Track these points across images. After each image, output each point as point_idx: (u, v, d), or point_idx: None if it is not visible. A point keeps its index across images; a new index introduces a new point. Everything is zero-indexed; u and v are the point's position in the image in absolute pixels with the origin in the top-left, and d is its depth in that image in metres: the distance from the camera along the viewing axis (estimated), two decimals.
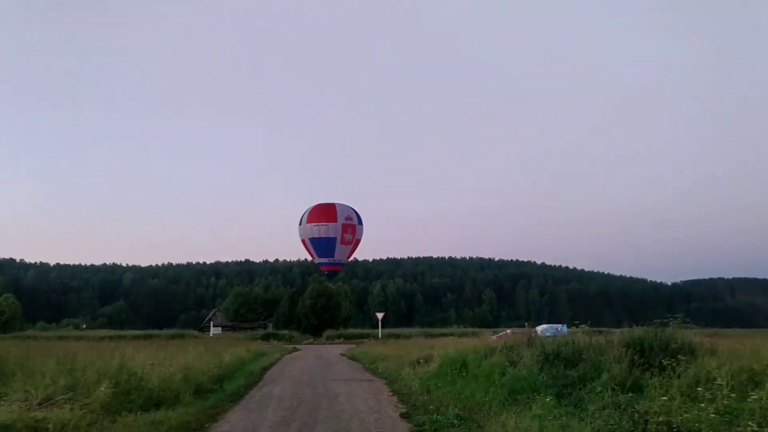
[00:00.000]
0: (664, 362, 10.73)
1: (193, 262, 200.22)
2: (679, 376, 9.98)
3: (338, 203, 66.59)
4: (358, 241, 67.63)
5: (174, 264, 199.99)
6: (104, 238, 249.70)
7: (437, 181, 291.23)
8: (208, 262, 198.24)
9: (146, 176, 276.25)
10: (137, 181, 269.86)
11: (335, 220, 63.71)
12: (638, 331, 12.74)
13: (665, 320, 13.24)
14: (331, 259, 65.02)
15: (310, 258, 70.32)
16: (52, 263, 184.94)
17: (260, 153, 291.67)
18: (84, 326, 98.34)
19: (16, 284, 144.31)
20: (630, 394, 9.72)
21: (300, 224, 65.70)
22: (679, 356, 10.76)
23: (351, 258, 73.17)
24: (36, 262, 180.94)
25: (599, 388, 9.82)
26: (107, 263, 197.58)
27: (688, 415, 8.06)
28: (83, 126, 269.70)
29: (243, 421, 10.96)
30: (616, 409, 8.94)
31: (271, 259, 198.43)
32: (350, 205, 67.33)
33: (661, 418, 8.08)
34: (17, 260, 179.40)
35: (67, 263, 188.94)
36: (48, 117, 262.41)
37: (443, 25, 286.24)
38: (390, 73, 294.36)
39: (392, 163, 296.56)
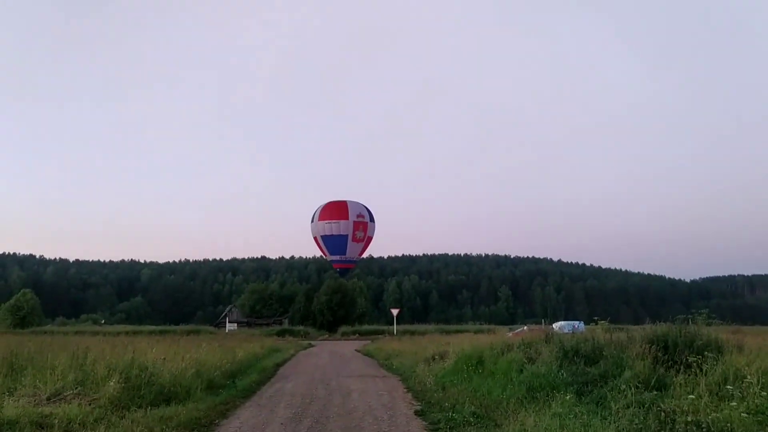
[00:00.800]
0: (690, 359, 10.32)
1: (210, 259, 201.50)
2: (705, 374, 9.58)
3: (350, 201, 66.39)
4: (369, 239, 67.38)
5: (191, 261, 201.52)
6: (123, 235, 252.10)
7: (452, 177, 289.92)
8: (224, 259, 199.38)
9: (165, 174, 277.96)
10: (156, 179, 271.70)
11: (347, 218, 63.54)
12: (661, 327, 12.32)
13: (689, 316, 12.83)
14: (343, 256, 64.86)
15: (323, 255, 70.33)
16: (71, 259, 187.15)
17: (276, 150, 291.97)
18: (103, 322, 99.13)
19: (36, 280, 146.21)
20: (654, 392, 9.33)
21: (312, 222, 65.64)
22: (706, 353, 10.36)
23: (363, 255, 72.98)
24: (56, 258, 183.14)
25: (623, 386, 9.41)
26: (125, 260, 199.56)
27: (717, 415, 7.68)
28: (104, 124, 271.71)
29: (253, 417, 10.72)
30: (640, 408, 8.55)
31: (287, 256, 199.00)
32: (362, 203, 67.22)
33: (689, 418, 7.69)
34: (37, 256, 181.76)
35: (86, 259, 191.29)
36: (67, 116, 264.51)
37: (453, 24, 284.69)
38: (407, 66, 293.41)
39: (407, 159, 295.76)
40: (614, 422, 8.10)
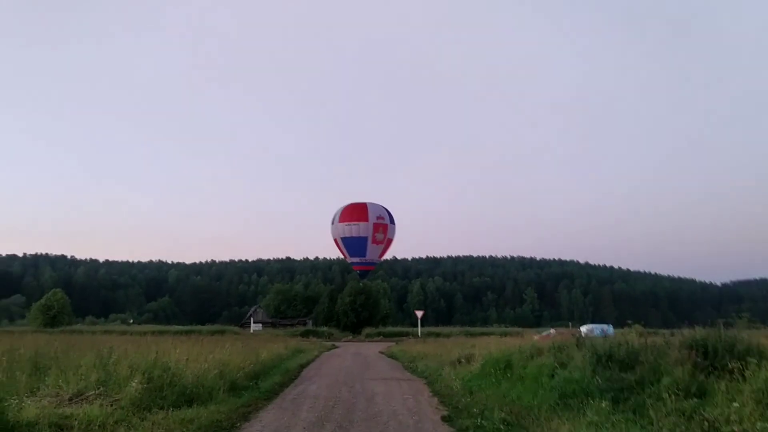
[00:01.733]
0: (731, 365, 9.80)
1: (236, 260, 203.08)
2: (747, 381, 9.07)
3: (370, 202, 66.17)
4: (390, 241, 67.06)
5: (217, 261, 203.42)
6: (151, 236, 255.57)
7: (478, 179, 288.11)
8: (250, 260, 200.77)
9: (189, 176, 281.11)
10: (181, 182, 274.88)
11: (366, 220, 63.35)
12: (700, 331, 11.79)
13: (728, 320, 12.28)
14: (362, 258, 64.69)
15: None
16: (101, 260, 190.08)
17: (301, 151, 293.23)
18: (131, 321, 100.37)
19: (67, 280, 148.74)
20: (695, 400, 8.84)
21: (332, 224, 65.58)
22: (748, 358, 9.83)
23: (383, 257, 72.69)
24: (86, 259, 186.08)
25: (665, 394, 8.93)
26: (153, 260, 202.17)
27: (765, 424, 7.22)
28: (132, 127, 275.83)
29: (276, 420, 10.46)
30: (681, 417, 8.11)
31: (312, 257, 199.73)
32: (382, 204, 66.96)
33: (735, 428, 7.24)
34: (68, 257, 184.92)
35: (116, 260, 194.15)
36: (99, 121, 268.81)
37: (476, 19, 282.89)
38: (433, 63, 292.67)
39: (433, 160, 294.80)
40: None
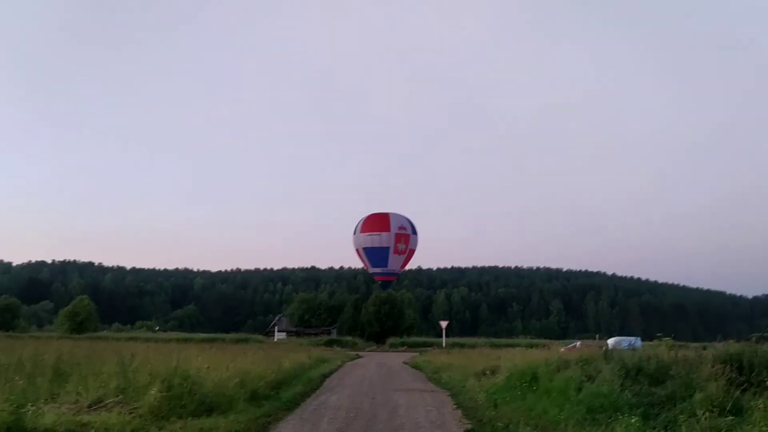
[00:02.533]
0: None
1: (261, 269, 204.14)
2: None
3: (392, 213, 66.00)
4: (412, 252, 66.72)
5: (242, 270, 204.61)
6: (177, 244, 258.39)
7: (502, 189, 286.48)
8: (275, 269, 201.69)
9: (215, 185, 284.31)
10: (208, 190, 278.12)
11: (388, 230, 63.14)
12: (734, 345, 11.38)
13: (763, 333, 11.84)
14: (384, 269, 64.43)
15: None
16: (128, 267, 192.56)
17: (326, 159, 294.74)
18: (157, 328, 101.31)
19: (94, 287, 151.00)
20: (730, 418, 8.45)
21: (354, 234, 65.48)
22: None
23: (405, 268, 72.31)
24: (113, 266, 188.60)
25: (698, 410, 8.54)
26: (179, 268, 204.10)
27: None
28: (158, 137, 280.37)
29: None
30: None
31: (337, 266, 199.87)
32: (405, 215, 66.73)
33: None
34: (96, 264, 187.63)
35: (142, 267, 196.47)
36: (124, 128, 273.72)
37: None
38: (454, 68, 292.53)
39: (458, 172, 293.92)
40: None
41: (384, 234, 63.25)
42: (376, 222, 64.56)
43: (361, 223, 65.03)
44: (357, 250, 66.20)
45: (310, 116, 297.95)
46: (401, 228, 64.25)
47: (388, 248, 63.13)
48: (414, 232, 65.81)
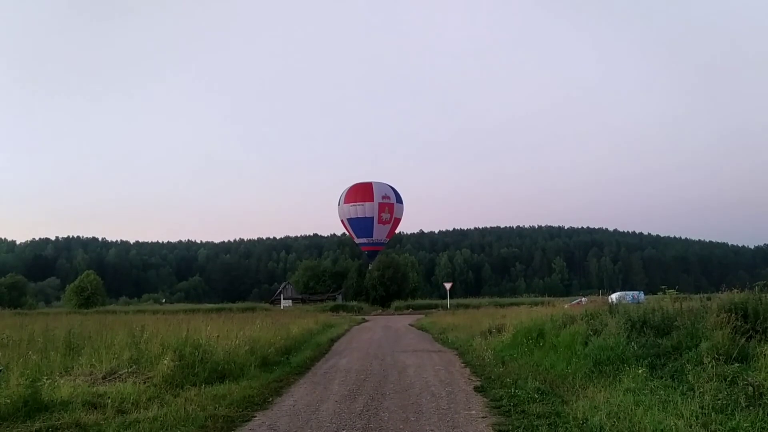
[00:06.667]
0: None
1: (264, 238, 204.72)
2: None
3: (375, 182, 65.24)
4: (397, 220, 66.23)
5: (245, 240, 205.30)
6: (179, 217, 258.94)
7: (504, 150, 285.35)
8: (278, 237, 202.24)
9: (218, 156, 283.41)
10: (210, 162, 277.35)
11: (372, 200, 62.65)
12: (738, 294, 11.44)
13: (766, 281, 11.88)
14: (370, 239, 64.19)
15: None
16: (131, 241, 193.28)
17: (328, 127, 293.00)
18: (163, 301, 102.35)
19: (99, 262, 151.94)
20: (737, 365, 8.55)
21: (339, 204, 64.99)
22: None
23: (390, 237, 72.08)
24: (117, 241, 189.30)
25: (705, 358, 8.63)
26: (183, 240, 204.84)
27: None
28: (158, 109, 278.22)
29: (308, 395, 10.43)
30: (722, 382, 7.84)
31: (339, 233, 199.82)
32: (389, 183, 66.15)
33: None
34: (99, 239, 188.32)
35: (146, 241, 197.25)
36: (130, 107, 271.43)
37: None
38: (453, 39, 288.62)
39: (458, 134, 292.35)
40: (696, 398, 7.41)
41: (367, 204, 62.88)
42: (360, 192, 64.06)
43: (344, 194, 64.50)
44: (342, 221, 65.91)
45: (304, 84, 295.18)
46: (385, 197, 63.80)
47: (372, 218, 62.87)
48: (399, 200, 65.35)
